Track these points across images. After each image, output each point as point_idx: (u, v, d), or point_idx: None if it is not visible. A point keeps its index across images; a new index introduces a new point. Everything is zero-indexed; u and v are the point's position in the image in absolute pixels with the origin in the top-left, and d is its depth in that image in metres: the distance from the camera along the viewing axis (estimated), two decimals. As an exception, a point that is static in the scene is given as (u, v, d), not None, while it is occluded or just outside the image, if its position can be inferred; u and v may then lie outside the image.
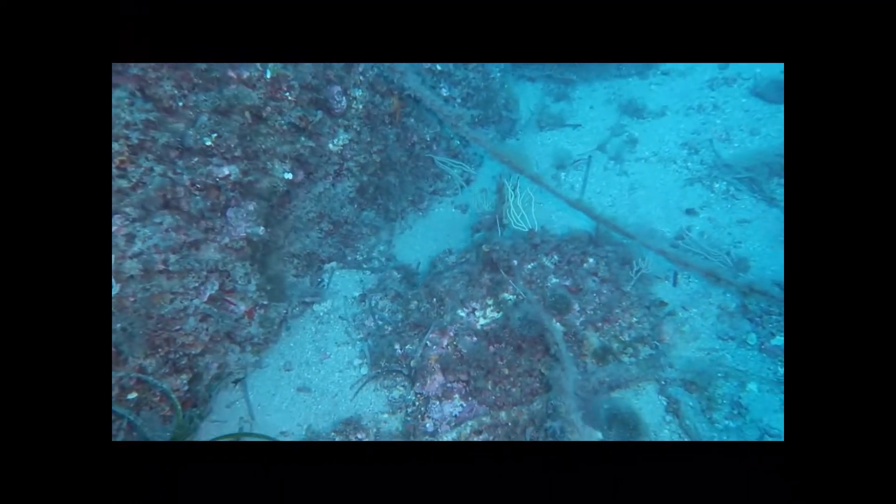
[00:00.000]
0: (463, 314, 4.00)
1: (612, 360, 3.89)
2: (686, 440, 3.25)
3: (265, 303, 3.96)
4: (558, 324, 3.89)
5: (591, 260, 4.43)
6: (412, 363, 3.88)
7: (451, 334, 3.87)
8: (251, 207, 3.67)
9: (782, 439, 3.22)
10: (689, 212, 5.44)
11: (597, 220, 4.43)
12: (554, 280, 4.23)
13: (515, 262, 4.20)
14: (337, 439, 3.39)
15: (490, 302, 4.01)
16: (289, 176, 4.04)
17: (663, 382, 3.70)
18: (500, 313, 3.90)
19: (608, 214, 5.74)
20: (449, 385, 3.64)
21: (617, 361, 3.89)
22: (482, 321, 3.93)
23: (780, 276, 4.31)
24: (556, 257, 4.46)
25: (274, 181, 3.92)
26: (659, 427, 3.47)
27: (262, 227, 3.76)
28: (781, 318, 3.88)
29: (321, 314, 4.58)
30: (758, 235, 4.94)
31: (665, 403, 3.59)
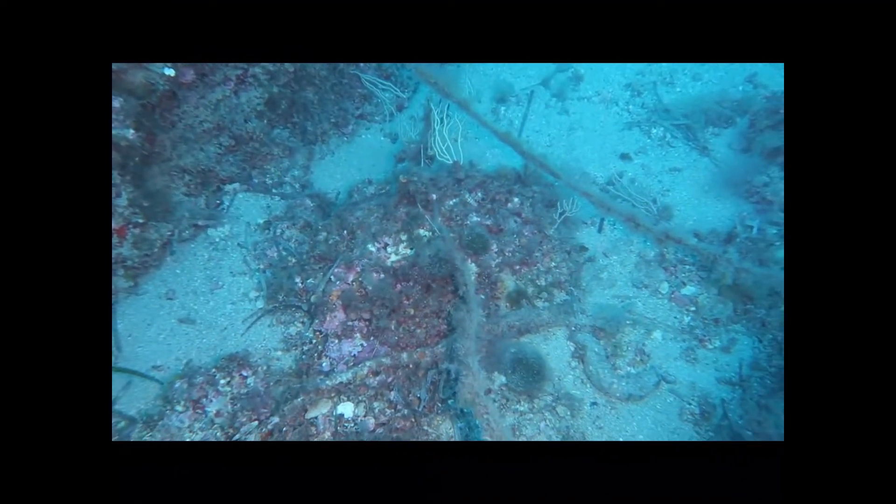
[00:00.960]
0: (373, 249, 3.66)
1: (525, 304, 3.75)
2: (598, 392, 3.20)
3: (141, 221, 3.42)
4: (473, 264, 3.65)
5: (515, 199, 4.16)
6: (312, 298, 3.54)
7: (358, 269, 3.54)
8: (115, 104, 3.02)
9: (676, 385, 3.25)
10: (624, 157, 5.26)
11: (525, 157, 4.12)
12: (475, 218, 3.94)
13: (434, 197, 3.85)
14: (219, 377, 3.05)
15: (404, 238, 3.69)
16: (170, 72, 3.36)
17: (573, 328, 3.61)
18: (413, 250, 3.60)
19: (542, 154, 5.47)
20: (350, 323, 3.35)
21: (530, 306, 3.75)
22: (393, 257, 3.62)
23: (701, 226, 4.28)
24: (479, 194, 4.15)
25: (150, 76, 3.25)
26: (564, 372, 3.41)
27: (131, 130, 3.14)
28: (694, 268, 3.86)
29: (217, 240, 4.07)
30: (686, 184, 4.87)
31: (572, 349, 3.52)
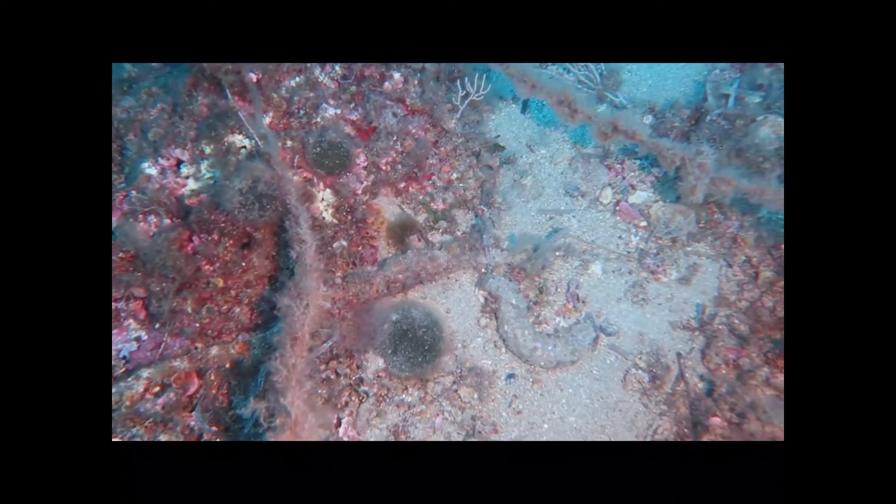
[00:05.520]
0: (153, 171, 2.26)
1: (414, 241, 2.61)
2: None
3: None
4: (326, 191, 2.38)
5: (396, 75, 2.73)
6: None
7: (123, 209, 2.18)
8: None
9: (618, 338, 2.41)
10: (558, -7, 3.73)
11: None
12: (330, 111, 2.54)
13: (254, 76, 2.36)
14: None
15: (207, 149, 2.29)
16: None
17: (484, 270, 2.58)
18: (219, 171, 2.24)
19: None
20: (113, 305, 2.12)
21: (423, 243, 2.62)
22: (190, 187, 2.26)
23: (657, 95, 3.09)
24: (337, 68, 2.67)
25: None
26: (470, 336, 2.47)
27: None
28: (647, 162, 2.77)
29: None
30: (640, 33, 3.52)
31: (482, 301, 2.53)
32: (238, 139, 2.31)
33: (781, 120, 2.43)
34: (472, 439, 2.20)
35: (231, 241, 2.10)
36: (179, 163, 2.28)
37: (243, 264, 2.11)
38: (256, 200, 2.09)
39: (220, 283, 2.08)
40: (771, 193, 1.92)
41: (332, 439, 2.12)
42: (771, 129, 2.43)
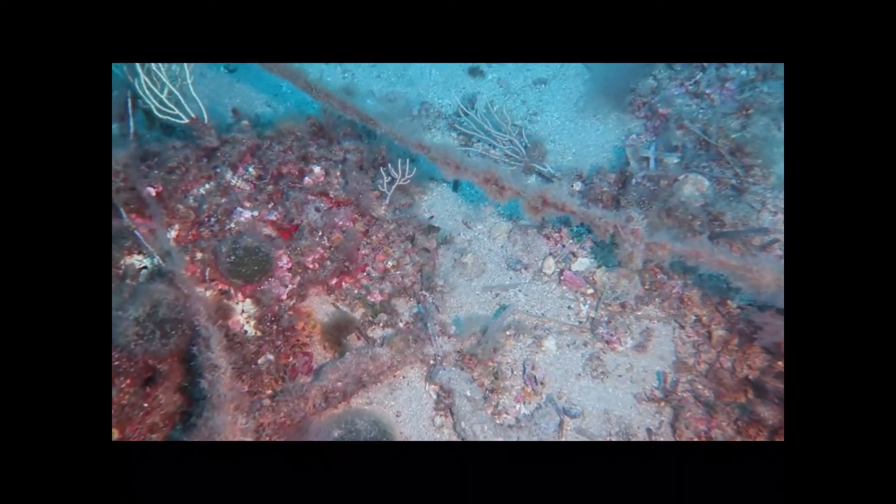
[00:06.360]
0: None
1: (353, 339, 2.39)
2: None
3: None
4: (244, 304, 2.15)
5: (315, 169, 2.62)
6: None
7: None
8: None
9: (583, 419, 2.23)
10: (474, 72, 3.87)
11: (317, 94, 2.54)
12: (246, 213, 2.37)
13: (153, 190, 2.16)
14: None
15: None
16: None
17: (432, 362, 2.37)
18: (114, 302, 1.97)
19: (367, 84, 3.88)
20: None
21: (363, 341, 2.40)
22: None
23: (583, 161, 3.16)
24: (251, 169, 2.54)
25: None
26: (426, 439, 2.21)
27: None
28: (584, 229, 2.75)
29: None
30: (556, 101, 3.67)
31: (434, 398, 2.30)
32: (136, 260, 2.06)
33: (701, 177, 2.49)
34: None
35: (128, 381, 1.80)
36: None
37: (146, 405, 1.80)
38: (157, 328, 1.82)
39: (116, 433, 1.74)
40: (705, 255, 1.89)
41: None
42: (693, 187, 2.48)
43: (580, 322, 2.52)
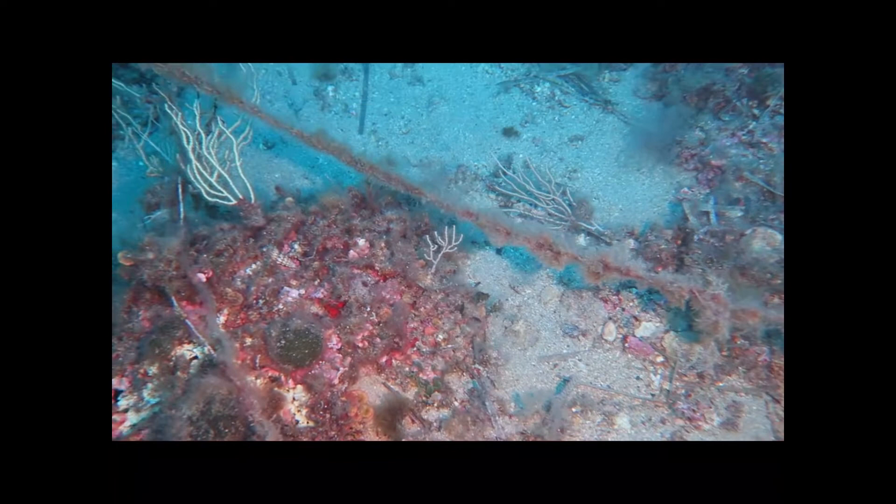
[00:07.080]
0: None
1: (408, 423, 2.21)
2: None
3: None
4: (294, 392, 2.00)
5: (360, 242, 2.55)
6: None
7: None
8: None
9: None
10: (508, 132, 3.87)
11: (359, 167, 2.51)
12: (293, 293, 2.28)
13: (203, 276, 2.10)
14: None
15: (151, 370, 1.91)
16: None
17: (495, 436, 2.16)
18: (165, 395, 1.85)
19: (401, 151, 3.89)
20: None
21: (418, 425, 2.22)
22: (130, 422, 1.84)
23: (632, 218, 3.02)
24: (296, 246, 2.48)
25: None
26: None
27: None
28: (646, 295, 2.57)
29: None
30: (595, 157, 3.60)
31: (499, 490, 2.07)
32: (187, 350, 1.96)
33: (772, 231, 2.32)
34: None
35: (176, 488, 1.64)
36: (117, 394, 1.90)
37: None
38: (211, 426, 1.69)
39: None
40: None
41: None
42: (764, 241, 2.31)
43: (653, 395, 2.29)
